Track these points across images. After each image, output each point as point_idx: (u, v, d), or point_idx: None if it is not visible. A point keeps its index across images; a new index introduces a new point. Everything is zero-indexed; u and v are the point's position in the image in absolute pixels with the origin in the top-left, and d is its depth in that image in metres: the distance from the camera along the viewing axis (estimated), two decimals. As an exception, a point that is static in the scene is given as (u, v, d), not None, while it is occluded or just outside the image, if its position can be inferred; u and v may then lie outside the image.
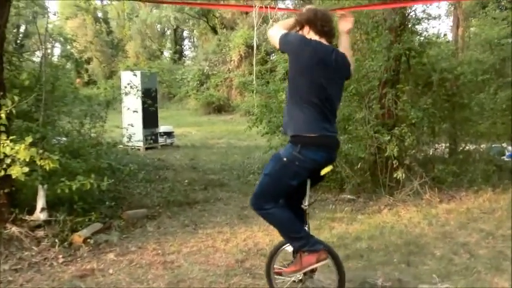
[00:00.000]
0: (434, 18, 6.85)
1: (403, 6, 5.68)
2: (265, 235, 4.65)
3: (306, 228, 2.97)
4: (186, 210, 5.60)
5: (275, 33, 2.92)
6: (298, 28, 2.95)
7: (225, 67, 20.13)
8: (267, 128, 6.69)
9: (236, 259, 3.99)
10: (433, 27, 23.21)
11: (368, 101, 6.13)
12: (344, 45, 3.02)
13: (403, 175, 5.57)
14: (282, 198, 2.93)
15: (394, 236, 4.51)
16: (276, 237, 4.54)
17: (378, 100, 6.08)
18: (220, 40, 20.74)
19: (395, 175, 5.63)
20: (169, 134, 11.13)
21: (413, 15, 6.50)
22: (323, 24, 2.87)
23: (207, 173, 7.78)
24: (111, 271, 3.71)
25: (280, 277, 3.12)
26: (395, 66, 6.04)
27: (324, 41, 2.87)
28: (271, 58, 19.62)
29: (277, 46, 2.93)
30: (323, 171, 2.89)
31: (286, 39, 2.86)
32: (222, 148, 10.71)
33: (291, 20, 3.02)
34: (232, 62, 19.66)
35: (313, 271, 3.04)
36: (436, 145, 6.78)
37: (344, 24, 3.09)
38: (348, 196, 5.88)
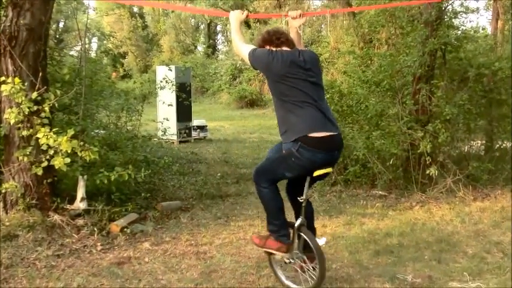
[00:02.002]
0: (473, 11, 6.68)
1: (438, 1, 5.57)
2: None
3: (299, 220, 3.15)
4: (219, 203, 5.71)
5: (243, 48, 3.17)
6: None
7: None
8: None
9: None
10: (471, 21, 22.48)
11: (401, 96, 6.07)
12: (297, 40, 3.24)
13: (436, 172, 5.50)
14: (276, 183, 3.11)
15: (426, 233, 4.48)
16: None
17: (412, 96, 6.00)
18: (253, 34, 20.77)
19: (428, 172, 5.56)
20: (202, 128, 11.29)
21: (451, 9, 6.38)
22: (277, 37, 3.11)
23: (239, 167, 7.88)
24: (146, 259, 3.85)
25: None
26: (431, 61, 5.95)
27: (285, 48, 3.10)
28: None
29: (247, 62, 3.17)
30: (316, 173, 3.00)
31: (254, 55, 3.08)
32: (254, 142, 10.79)
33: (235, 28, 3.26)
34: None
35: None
36: (472, 142, 6.64)
37: (295, 22, 3.29)
38: (380, 192, 5.85)
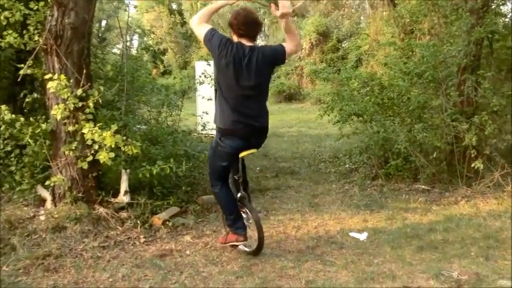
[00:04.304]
0: (523, -3, 6.37)
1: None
2: (336, 223, 4.66)
3: (239, 194, 3.73)
4: (258, 197, 5.72)
5: (200, 28, 3.45)
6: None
7: (295, 55, 20.02)
8: (339, 116, 6.61)
9: (307, 246, 4.05)
10: (521, 7, 21.41)
11: (445, 88, 5.86)
12: (284, 29, 3.36)
13: (482, 166, 5.28)
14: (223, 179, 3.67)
15: (472, 229, 4.33)
16: (348, 225, 4.57)
17: (457, 87, 5.79)
18: (290, 28, 20.63)
19: (473, 165, 5.35)
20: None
21: (498, -4, 6.09)
22: (240, 27, 3.38)
23: (278, 161, 7.87)
24: (188, 252, 3.91)
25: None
26: (476, 51, 5.70)
27: (244, 41, 3.39)
28: (342, 45, 19.25)
29: (201, 40, 3.46)
30: (241, 154, 3.54)
31: (208, 38, 3.38)
32: (292, 136, 10.75)
33: (213, 7, 3.53)
34: (303, 50, 19.52)
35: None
36: (522, 134, 6.34)
37: (279, 12, 3.30)
38: (422, 186, 5.69)
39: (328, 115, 6.94)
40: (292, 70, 19.87)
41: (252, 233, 3.81)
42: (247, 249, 3.82)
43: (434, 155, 5.68)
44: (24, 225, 4.13)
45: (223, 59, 3.31)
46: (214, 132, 10.47)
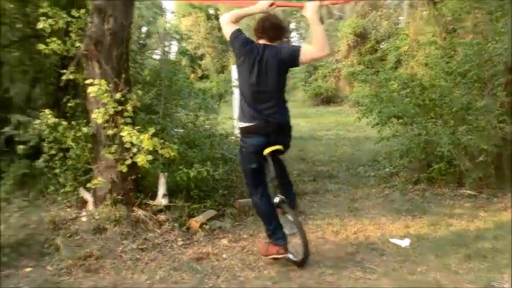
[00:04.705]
0: None
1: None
2: (376, 229, 4.52)
3: (276, 199, 3.63)
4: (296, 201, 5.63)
5: (228, 26, 3.58)
6: None
7: (332, 58, 19.81)
8: (378, 118, 6.45)
9: (346, 252, 3.94)
10: None
11: (491, 87, 5.60)
12: (312, 32, 3.46)
13: (534, 169, 5.01)
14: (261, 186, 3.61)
15: (523, 237, 4.09)
16: (388, 231, 4.42)
17: (504, 87, 5.52)
18: (328, 30, 20.44)
19: (524, 169, 5.08)
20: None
21: (549, -11, 5.77)
22: (259, 30, 3.55)
23: (315, 164, 7.76)
24: (224, 256, 3.89)
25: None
26: (525, 48, 5.43)
27: (262, 41, 3.53)
28: (381, 47, 18.87)
29: (227, 38, 3.58)
30: (265, 152, 3.45)
31: (234, 37, 3.51)
32: (330, 139, 10.59)
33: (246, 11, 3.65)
34: (340, 52, 19.28)
35: None
36: None
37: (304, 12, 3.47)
38: (468, 191, 5.45)
39: (367, 117, 6.78)
40: (329, 72, 19.64)
41: (294, 239, 3.67)
42: (293, 258, 3.64)
43: (481, 159, 5.41)
44: (67, 226, 4.23)
45: (241, 56, 3.46)
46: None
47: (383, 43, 18.90)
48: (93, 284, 3.36)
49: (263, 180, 3.65)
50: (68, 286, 3.33)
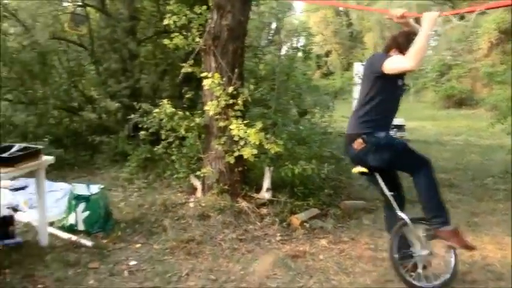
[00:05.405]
0: None
1: None
2: (497, 249, 4.03)
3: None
4: (407, 208, 5.23)
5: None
6: None
7: (471, 56, 18.14)
8: (515, 125, 5.74)
9: (456, 269, 3.57)
10: None
11: None
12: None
13: None
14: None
15: None
16: (509, 252, 3.90)
17: None
18: (466, 26, 18.77)
19: None
20: (400, 127, 10.68)
21: None
22: (404, 46, 3.02)
23: (437, 171, 7.14)
24: (321, 257, 3.80)
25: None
26: None
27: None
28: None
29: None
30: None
31: None
32: (457, 145, 9.73)
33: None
34: (480, 50, 17.56)
35: None
36: None
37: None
38: None
39: (502, 123, 6.07)
40: (465, 72, 18.03)
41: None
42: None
43: None
44: (176, 209, 4.52)
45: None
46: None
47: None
48: (191, 267, 3.53)
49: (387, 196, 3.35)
50: (170, 265, 3.55)
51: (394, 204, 3.26)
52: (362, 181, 6.34)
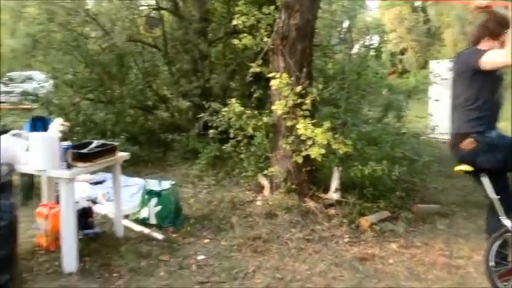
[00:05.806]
0: None
1: None
2: None
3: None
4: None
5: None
6: None
7: None
8: None
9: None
10: None
11: None
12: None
13: None
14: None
15: None
16: None
17: None
18: None
19: None
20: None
21: None
22: (499, 33, 2.89)
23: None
24: (391, 261, 3.66)
25: None
26: None
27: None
28: None
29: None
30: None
31: None
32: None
33: None
34: None
35: None
36: None
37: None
38: None
39: None
40: None
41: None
42: None
43: None
44: (244, 207, 4.59)
45: None
46: (442, 136, 9.56)
47: None
48: (258, 264, 3.55)
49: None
50: (237, 261, 3.60)
51: (499, 209, 2.94)
52: (437, 184, 6.05)
